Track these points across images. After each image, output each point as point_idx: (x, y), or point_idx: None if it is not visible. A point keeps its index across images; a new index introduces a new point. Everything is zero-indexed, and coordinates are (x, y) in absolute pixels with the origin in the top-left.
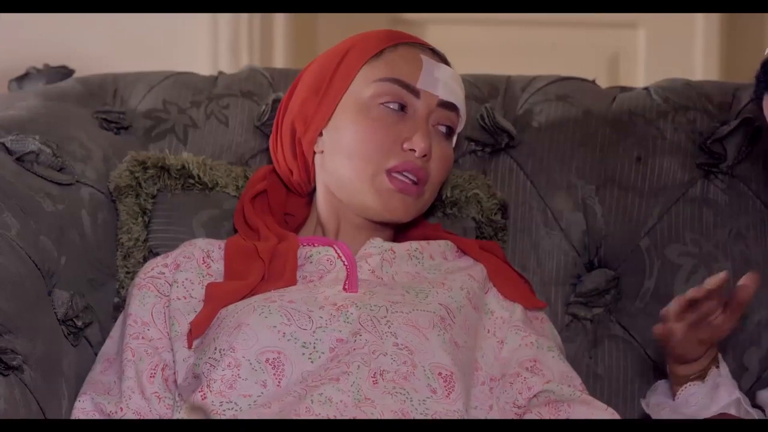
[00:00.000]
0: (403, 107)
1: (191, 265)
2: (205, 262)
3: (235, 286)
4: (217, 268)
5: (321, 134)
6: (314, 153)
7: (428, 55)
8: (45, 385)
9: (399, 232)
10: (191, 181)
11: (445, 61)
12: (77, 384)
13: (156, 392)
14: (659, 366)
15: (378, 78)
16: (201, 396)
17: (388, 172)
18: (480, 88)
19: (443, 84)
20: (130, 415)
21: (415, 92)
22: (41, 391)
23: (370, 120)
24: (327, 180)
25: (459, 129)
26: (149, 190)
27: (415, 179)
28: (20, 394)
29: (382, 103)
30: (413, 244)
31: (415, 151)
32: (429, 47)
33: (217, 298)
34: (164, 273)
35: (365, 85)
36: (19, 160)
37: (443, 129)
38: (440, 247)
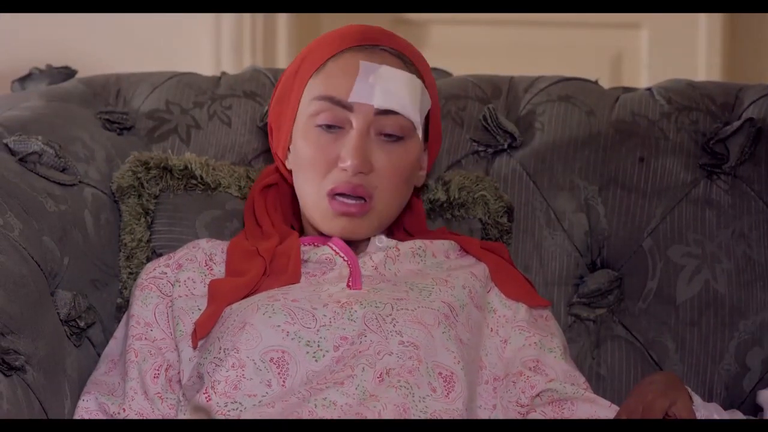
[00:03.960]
0: (338, 125)
1: (194, 267)
2: (207, 265)
3: (237, 282)
4: (219, 270)
5: (289, 150)
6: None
7: (371, 58)
8: (48, 385)
9: (392, 234)
10: (194, 181)
11: (402, 56)
12: (80, 384)
13: (159, 393)
14: (661, 367)
15: (314, 96)
16: (206, 398)
17: (329, 195)
18: (483, 89)
19: (380, 90)
20: (132, 417)
21: (348, 107)
22: (44, 392)
23: (310, 142)
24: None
25: (420, 119)
26: (152, 190)
27: (355, 199)
28: (23, 394)
29: (318, 125)
30: (417, 242)
31: (347, 169)
32: (382, 47)
33: (220, 297)
34: (166, 273)
35: (308, 102)
36: (22, 160)
37: (388, 136)
38: (443, 245)
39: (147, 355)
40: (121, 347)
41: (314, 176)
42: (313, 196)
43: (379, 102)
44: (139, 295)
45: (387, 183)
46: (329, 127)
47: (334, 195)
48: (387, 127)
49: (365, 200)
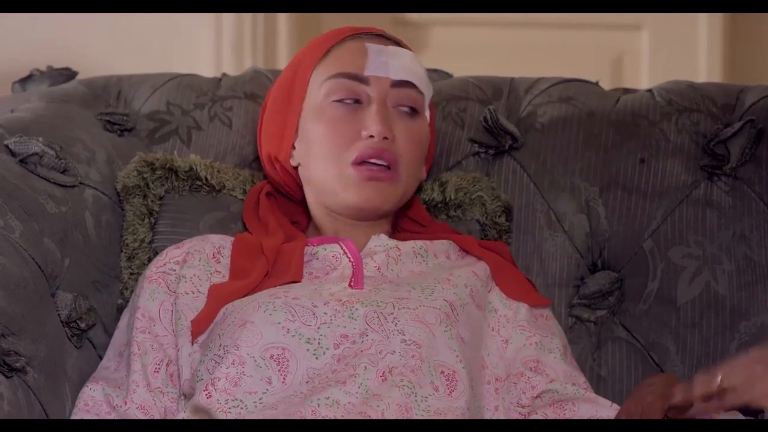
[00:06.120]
0: (357, 99)
1: (201, 260)
2: (215, 257)
3: (237, 286)
4: (227, 263)
5: (294, 147)
6: (294, 167)
7: (375, 42)
8: (48, 387)
9: (398, 229)
10: (199, 182)
11: (399, 44)
12: (80, 386)
13: (159, 387)
14: (662, 369)
15: (327, 77)
16: (206, 395)
17: (354, 163)
18: (483, 90)
19: (393, 64)
20: (133, 409)
21: (364, 80)
22: (44, 393)
23: (327, 120)
24: (311, 188)
25: (427, 102)
26: (157, 191)
27: (383, 164)
28: (23, 396)
29: (335, 100)
30: (418, 243)
31: (373, 136)
32: (377, 33)
33: (219, 299)
34: (175, 270)
35: (318, 87)
36: (22, 161)
37: (405, 109)
38: (443, 246)
39: (148, 349)
40: (125, 336)
41: (335, 150)
42: (334, 169)
43: (396, 74)
44: (148, 288)
45: (408, 154)
46: (348, 101)
47: (359, 163)
48: (403, 99)
49: (390, 168)
